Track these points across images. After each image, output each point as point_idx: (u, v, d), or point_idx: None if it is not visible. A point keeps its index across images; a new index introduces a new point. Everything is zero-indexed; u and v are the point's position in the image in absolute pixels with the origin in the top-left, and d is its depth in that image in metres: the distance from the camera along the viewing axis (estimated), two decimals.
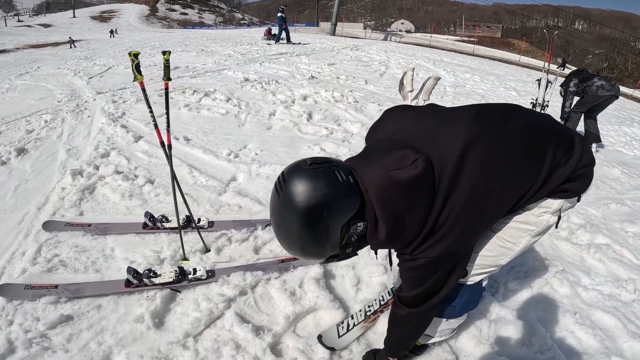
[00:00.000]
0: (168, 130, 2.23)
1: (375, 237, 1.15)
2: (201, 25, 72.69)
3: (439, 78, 2.14)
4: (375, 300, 2.17)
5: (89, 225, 2.65)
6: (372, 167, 1.10)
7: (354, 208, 1.07)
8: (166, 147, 2.22)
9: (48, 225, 2.66)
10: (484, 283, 1.62)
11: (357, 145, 4.39)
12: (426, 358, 1.88)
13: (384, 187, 1.07)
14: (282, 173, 1.10)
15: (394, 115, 1.39)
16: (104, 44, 16.16)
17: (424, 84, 2.15)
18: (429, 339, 1.76)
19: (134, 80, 2.02)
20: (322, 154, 3.98)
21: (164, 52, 2.07)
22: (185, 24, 68.31)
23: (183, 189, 3.04)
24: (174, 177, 2.28)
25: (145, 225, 2.63)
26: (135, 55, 1.98)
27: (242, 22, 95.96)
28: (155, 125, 2.18)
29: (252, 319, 2.03)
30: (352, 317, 2.04)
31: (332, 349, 1.87)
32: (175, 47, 13.34)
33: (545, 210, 1.29)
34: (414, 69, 2.12)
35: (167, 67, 2.05)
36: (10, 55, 20.38)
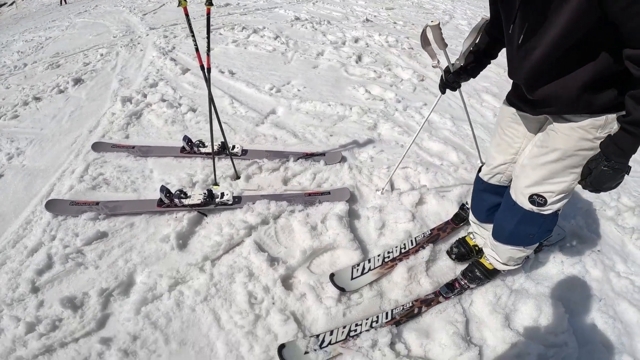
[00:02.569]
0: (208, 54, 2.22)
1: None
2: None
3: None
4: (396, 247, 2.10)
5: (133, 147, 2.77)
6: None
7: None
8: (205, 70, 2.22)
9: (97, 146, 2.82)
10: (559, 212, 1.69)
11: (406, 91, 4.18)
12: (436, 316, 1.82)
13: None
14: None
15: None
16: None
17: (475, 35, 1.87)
18: (505, 267, 1.93)
19: (178, 5, 2.02)
20: (366, 96, 3.85)
21: None
22: None
23: (222, 118, 3.09)
24: (211, 99, 2.27)
25: (183, 149, 2.71)
26: None
27: None
28: (197, 49, 2.19)
29: (269, 249, 2.05)
30: (369, 261, 2.00)
31: (342, 290, 1.85)
32: None
33: (607, 132, 1.34)
34: (439, 22, 1.83)
35: None
36: None
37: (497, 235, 1.86)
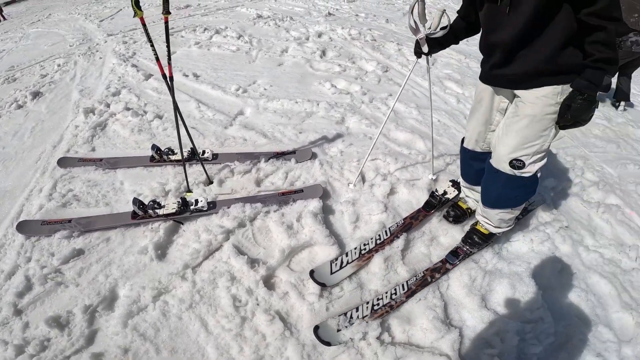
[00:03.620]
0: (169, 63, 2.21)
1: None
2: None
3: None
4: (371, 239, 2.16)
5: (101, 160, 2.72)
6: None
7: None
8: (168, 79, 2.20)
9: (62, 162, 2.74)
10: (539, 175, 1.91)
11: (370, 83, 4.25)
12: (417, 303, 1.88)
13: None
14: None
15: None
16: None
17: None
18: (498, 229, 2.14)
19: (134, 16, 1.99)
20: (332, 90, 3.89)
21: None
22: None
23: (190, 123, 3.08)
24: (176, 108, 2.27)
25: (152, 158, 2.67)
26: None
27: None
28: (157, 58, 2.17)
29: (248, 252, 2.07)
30: (347, 255, 2.05)
31: (322, 285, 1.89)
32: None
33: (563, 97, 1.65)
34: None
35: (166, 1, 2.02)
36: (21, 4, 20.22)
37: (486, 201, 2.08)
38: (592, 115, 1.66)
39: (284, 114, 3.26)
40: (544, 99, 1.68)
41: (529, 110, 1.74)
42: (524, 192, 1.97)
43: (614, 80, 6.07)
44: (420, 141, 3.12)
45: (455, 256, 2.11)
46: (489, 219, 2.10)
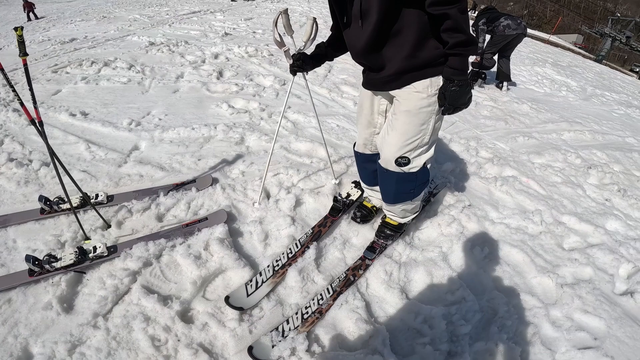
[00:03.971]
0: (35, 107, 2.08)
1: None
2: None
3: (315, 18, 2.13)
4: (283, 253, 2.19)
5: None
6: None
7: None
8: (37, 123, 2.07)
9: None
10: (428, 166, 2.03)
11: (269, 99, 4.30)
12: (338, 309, 1.91)
13: None
14: None
15: None
16: None
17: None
18: (405, 219, 2.29)
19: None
20: (230, 111, 3.88)
21: (15, 29, 1.92)
22: None
23: (80, 166, 2.91)
24: (52, 154, 2.13)
25: (42, 211, 2.48)
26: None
27: None
28: (21, 103, 2.03)
29: (159, 289, 2.00)
30: (261, 274, 2.06)
31: (240, 309, 1.88)
32: (74, 17, 12.11)
33: (436, 89, 1.75)
34: (287, 9, 2.07)
35: (21, 43, 1.91)
36: None
37: (385, 199, 2.21)
38: (470, 97, 1.74)
39: (180, 143, 3.18)
40: (416, 94, 1.77)
41: (404, 106, 1.83)
42: (417, 185, 2.09)
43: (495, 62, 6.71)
44: (321, 148, 3.22)
45: (373, 251, 2.23)
46: (394, 212, 2.25)
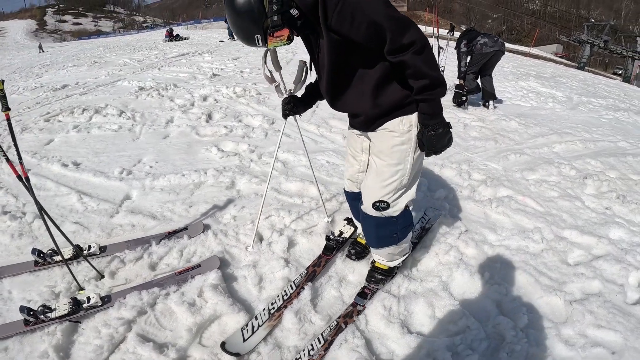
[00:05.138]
0: (21, 163, 2.12)
1: None
2: (98, 34, 67.49)
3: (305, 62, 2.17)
4: (278, 296, 2.18)
5: None
6: None
7: None
8: (23, 179, 2.12)
9: None
10: (410, 207, 2.00)
11: (257, 139, 4.38)
12: (339, 349, 1.87)
13: None
14: None
15: None
16: None
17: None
18: (394, 262, 2.19)
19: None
20: (219, 155, 3.93)
21: None
22: (80, 35, 62.96)
23: (73, 218, 2.93)
24: (40, 209, 2.18)
25: (36, 263, 2.50)
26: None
27: (145, 25, 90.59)
28: (7, 159, 2.08)
29: (155, 337, 1.98)
30: (256, 318, 2.04)
31: (237, 355, 1.86)
32: (65, 63, 12.36)
33: (409, 125, 1.70)
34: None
35: (2, 97, 1.95)
36: None
37: (370, 243, 2.18)
38: (450, 138, 1.69)
39: (171, 190, 3.21)
40: (388, 134, 1.74)
41: (377, 147, 1.82)
42: (399, 229, 2.01)
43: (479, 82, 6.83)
44: (312, 187, 3.25)
45: (364, 297, 2.15)
46: (381, 256, 2.17)
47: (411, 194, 1.92)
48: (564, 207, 3.28)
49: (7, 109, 1.99)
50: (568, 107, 8.27)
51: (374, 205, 1.90)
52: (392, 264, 2.21)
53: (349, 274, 2.41)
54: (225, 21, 16.75)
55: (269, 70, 2.12)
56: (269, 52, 2.03)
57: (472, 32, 6.61)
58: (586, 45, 35.91)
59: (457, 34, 9.27)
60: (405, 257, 2.25)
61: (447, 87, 1.81)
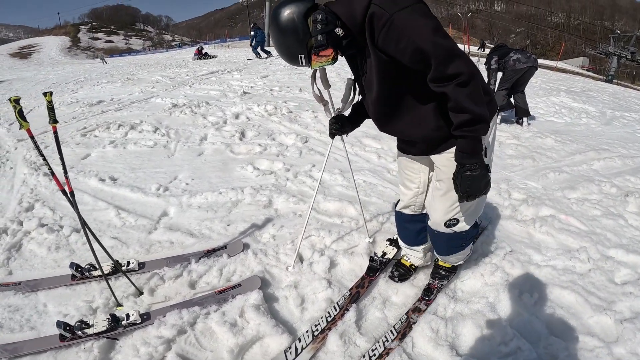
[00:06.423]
0: (66, 177, 2.12)
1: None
2: (129, 51, 70.18)
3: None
4: (321, 318, 2.12)
5: (19, 283, 2.48)
6: None
7: (309, 3, 1.48)
8: (68, 194, 2.11)
9: None
10: (479, 221, 2.17)
11: (292, 158, 4.36)
12: None
13: None
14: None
15: None
16: (27, 83, 15.10)
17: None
18: (458, 263, 2.31)
19: (20, 128, 1.91)
20: (255, 173, 3.92)
21: (45, 94, 1.98)
22: (111, 52, 65.60)
23: (111, 233, 2.93)
24: (84, 224, 2.17)
25: (73, 277, 2.50)
26: (15, 101, 1.86)
27: (173, 43, 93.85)
28: (52, 173, 2.08)
29: (195, 358, 1.94)
30: (300, 340, 1.98)
31: None
32: (100, 79, 12.77)
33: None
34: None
35: (50, 109, 1.97)
36: None
37: (439, 253, 2.23)
38: (487, 182, 1.58)
39: (209, 208, 3.20)
40: (453, 160, 1.64)
41: (444, 174, 1.79)
42: (467, 239, 2.11)
43: (512, 99, 6.68)
44: (350, 207, 3.19)
45: (431, 292, 2.27)
46: (448, 261, 2.28)
47: (480, 211, 2.00)
48: (608, 226, 3.18)
49: (54, 121, 2.00)
50: (602, 123, 8.01)
51: (445, 223, 1.95)
52: (456, 264, 2.34)
53: (393, 295, 2.35)
54: (251, 41, 17.12)
55: (317, 88, 2.07)
56: (318, 71, 2.00)
57: (503, 48, 6.48)
58: (613, 57, 35.04)
59: (487, 50, 9.17)
60: (467, 257, 2.35)
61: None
